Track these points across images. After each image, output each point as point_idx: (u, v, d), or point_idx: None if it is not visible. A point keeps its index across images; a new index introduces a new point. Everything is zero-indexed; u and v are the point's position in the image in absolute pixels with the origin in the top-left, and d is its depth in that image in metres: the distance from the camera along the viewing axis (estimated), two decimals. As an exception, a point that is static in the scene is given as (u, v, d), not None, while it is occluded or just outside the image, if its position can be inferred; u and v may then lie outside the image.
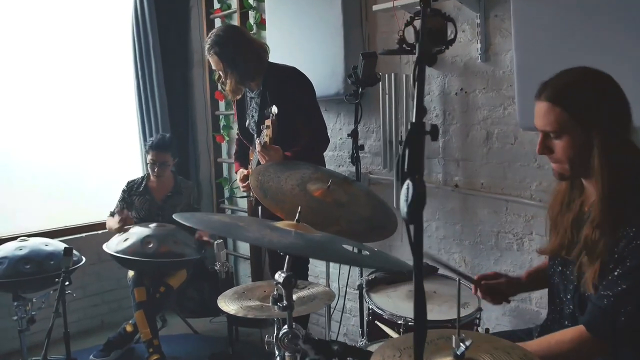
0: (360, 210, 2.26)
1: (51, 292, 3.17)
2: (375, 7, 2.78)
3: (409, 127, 1.09)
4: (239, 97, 2.84)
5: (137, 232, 3.30)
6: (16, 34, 3.69)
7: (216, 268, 3.22)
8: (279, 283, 1.27)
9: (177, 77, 4.20)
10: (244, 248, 4.18)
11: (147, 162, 3.58)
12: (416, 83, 1.15)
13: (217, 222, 1.52)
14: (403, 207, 0.92)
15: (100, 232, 3.97)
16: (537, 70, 2.32)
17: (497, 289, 1.80)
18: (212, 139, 4.15)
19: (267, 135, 2.43)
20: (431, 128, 1.06)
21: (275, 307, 1.52)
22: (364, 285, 2.44)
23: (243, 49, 2.68)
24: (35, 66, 3.78)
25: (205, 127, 4.28)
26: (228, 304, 1.63)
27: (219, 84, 2.98)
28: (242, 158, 3.10)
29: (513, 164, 2.54)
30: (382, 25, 2.99)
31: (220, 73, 2.77)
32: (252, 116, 2.89)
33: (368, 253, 1.29)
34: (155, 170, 3.52)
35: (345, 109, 3.25)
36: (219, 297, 1.68)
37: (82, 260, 3.29)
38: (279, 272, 1.30)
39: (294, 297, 1.72)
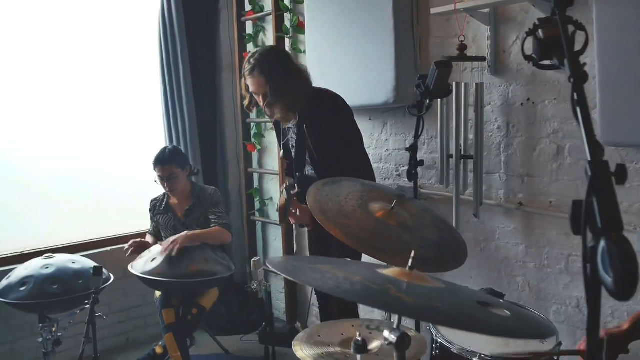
0: (428, 233, 2.06)
1: (78, 311, 2.99)
2: (433, 10, 2.57)
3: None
4: (286, 125, 2.68)
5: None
6: (40, 41, 3.51)
7: (253, 287, 3.02)
8: (391, 343, 1.06)
9: (205, 82, 4.00)
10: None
11: (155, 180, 3.35)
12: (578, 109, 0.95)
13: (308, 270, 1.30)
14: (605, 278, 0.72)
15: (126, 245, 3.78)
16: (622, 80, 2.13)
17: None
18: (243, 147, 3.94)
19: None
20: (617, 168, 0.86)
21: (359, 356, 1.33)
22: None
23: (294, 76, 2.53)
24: (59, 74, 3.59)
25: (234, 135, 4.08)
26: (305, 350, 1.43)
27: (251, 108, 2.78)
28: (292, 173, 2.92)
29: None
30: (435, 29, 2.78)
31: (257, 98, 2.59)
32: (293, 146, 2.71)
33: (508, 313, 1.07)
34: (166, 185, 3.30)
35: (392, 118, 3.05)
36: (293, 343, 1.48)
37: (110, 278, 3.12)
38: (388, 331, 1.09)
39: (373, 345, 1.52)
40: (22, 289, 2.84)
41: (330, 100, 2.58)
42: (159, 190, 3.41)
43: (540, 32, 1.26)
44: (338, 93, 2.90)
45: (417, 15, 2.84)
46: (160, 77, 3.88)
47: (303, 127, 2.58)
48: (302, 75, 2.56)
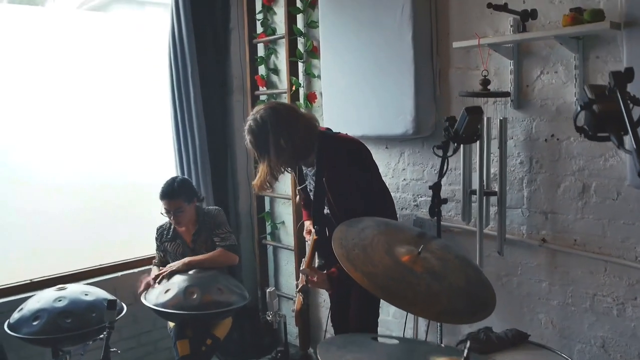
0: (455, 279, 2.02)
1: (90, 342, 2.95)
2: (455, 44, 2.53)
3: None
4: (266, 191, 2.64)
5: (177, 282, 3.05)
6: (46, 64, 3.46)
7: (268, 318, 2.98)
8: None
9: (216, 104, 3.95)
10: (289, 286, 3.94)
11: (162, 212, 3.29)
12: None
13: None
14: None
15: (136, 270, 3.74)
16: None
17: None
18: (255, 170, 3.89)
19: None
20: None
21: None
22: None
23: (289, 137, 2.39)
24: (67, 95, 3.55)
25: (244, 156, 4.03)
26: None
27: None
28: (309, 207, 2.87)
29: (614, 222, 2.29)
30: (456, 60, 2.74)
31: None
32: (311, 190, 2.66)
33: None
34: (172, 218, 3.24)
35: (410, 148, 3.01)
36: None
37: (123, 309, 3.07)
38: None
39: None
40: (35, 323, 2.79)
41: (347, 151, 2.50)
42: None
43: (595, 107, 1.22)
44: (356, 128, 2.88)
45: (437, 46, 2.80)
46: (170, 99, 3.82)
47: (322, 179, 2.53)
48: (299, 132, 2.42)
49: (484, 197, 2.53)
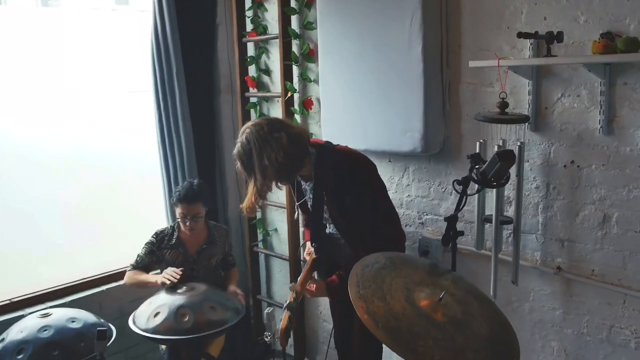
0: (479, 326, 1.91)
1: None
2: (472, 64, 2.38)
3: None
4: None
5: (167, 303, 2.86)
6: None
7: (266, 339, 2.86)
8: None
9: (203, 105, 3.72)
10: (282, 295, 3.82)
11: (177, 216, 3.14)
12: None
13: None
14: None
15: (121, 282, 3.55)
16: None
17: None
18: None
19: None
20: None
21: None
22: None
23: (279, 156, 2.25)
24: (45, 100, 3.29)
25: (233, 164, 3.82)
26: None
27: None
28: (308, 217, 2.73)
29: (636, 255, 2.21)
30: (467, 75, 2.59)
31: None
32: (311, 205, 2.52)
33: None
34: (188, 224, 3.09)
35: (415, 164, 2.87)
36: None
37: (113, 334, 2.89)
38: None
39: None
40: (19, 357, 2.60)
41: (349, 166, 2.37)
42: (150, 223, 3.19)
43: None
44: (358, 142, 2.75)
45: (447, 58, 2.64)
46: (154, 100, 3.58)
47: (320, 193, 2.41)
48: (282, 146, 2.25)
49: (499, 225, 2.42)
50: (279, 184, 2.38)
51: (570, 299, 2.42)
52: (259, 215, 3.82)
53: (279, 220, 3.71)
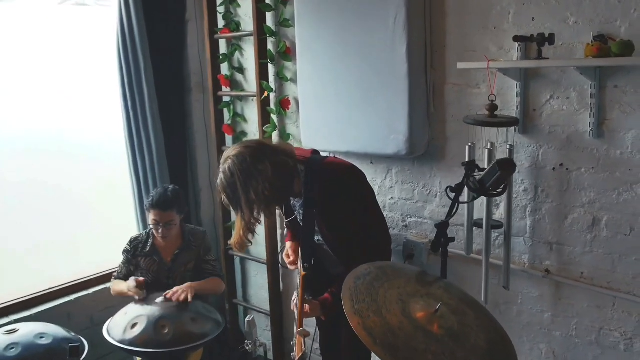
0: (476, 338, 1.87)
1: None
2: (460, 65, 2.32)
3: None
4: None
5: (145, 314, 2.75)
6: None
7: (247, 348, 2.77)
8: None
9: (173, 104, 3.57)
10: (259, 298, 3.72)
11: (149, 222, 3.01)
12: None
13: None
14: None
15: (91, 291, 3.40)
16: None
17: None
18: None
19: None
20: None
21: None
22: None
23: (265, 182, 2.15)
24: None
25: (206, 162, 3.71)
26: None
27: None
28: (294, 227, 2.64)
29: (626, 257, 2.21)
30: (452, 75, 2.53)
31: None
32: (301, 220, 2.44)
33: None
34: (160, 231, 2.96)
35: (398, 166, 2.80)
36: None
37: (85, 349, 2.73)
38: None
39: None
40: (-15, 379, 2.45)
41: (340, 180, 2.31)
42: (120, 225, 3.06)
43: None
44: (339, 144, 2.71)
45: (432, 59, 2.57)
46: (121, 100, 3.41)
47: (312, 210, 2.33)
48: (267, 177, 2.15)
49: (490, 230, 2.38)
50: (267, 214, 2.29)
51: (559, 302, 2.41)
52: (233, 217, 3.69)
53: (255, 222, 3.60)
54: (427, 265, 2.73)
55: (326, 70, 2.80)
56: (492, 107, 2.24)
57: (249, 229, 2.26)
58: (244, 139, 3.39)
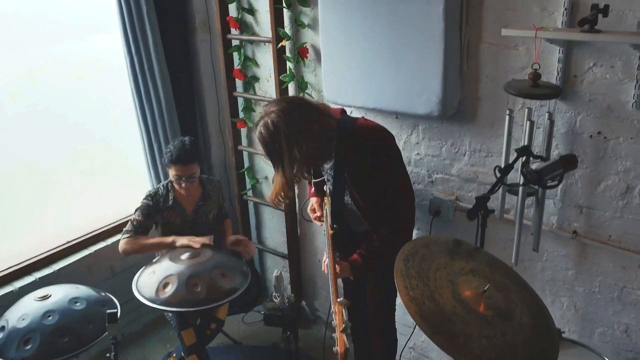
0: (521, 314, 1.94)
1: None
2: (505, 32, 2.21)
3: None
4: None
5: (174, 273, 2.74)
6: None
7: (275, 300, 2.86)
8: None
9: (178, 46, 3.39)
10: (275, 241, 3.78)
11: (171, 177, 2.96)
12: None
13: None
14: None
15: (110, 241, 3.40)
16: None
17: None
18: (232, 125, 3.48)
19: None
20: None
21: None
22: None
23: (306, 140, 2.14)
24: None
25: (215, 106, 3.59)
26: None
27: None
28: (318, 184, 2.65)
29: (656, 225, 2.27)
30: (489, 35, 2.43)
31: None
32: (329, 180, 2.44)
33: None
34: (183, 185, 2.93)
35: (425, 123, 2.76)
36: None
37: (119, 310, 2.76)
38: None
39: None
40: (27, 347, 2.49)
41: (371, 144, 2.29)
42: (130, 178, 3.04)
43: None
44: (365, 99, 2.74)
45: (467, 14, 2.46)
46: (123, 44, 3.22)
47: (342, 174, 2.33)
48: (315, 138, 2.15)
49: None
50: (306, 174, 2.25)
51: (585, 261, 2.50)
52: (246, 163, 3.65)
53: (269, 167, 3.56)
54: (453, 221, 2.78)
55: (352, 20, 2.65)
56: (536, 76, 2.18)
57: (289, 186, 2.25)
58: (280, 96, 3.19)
